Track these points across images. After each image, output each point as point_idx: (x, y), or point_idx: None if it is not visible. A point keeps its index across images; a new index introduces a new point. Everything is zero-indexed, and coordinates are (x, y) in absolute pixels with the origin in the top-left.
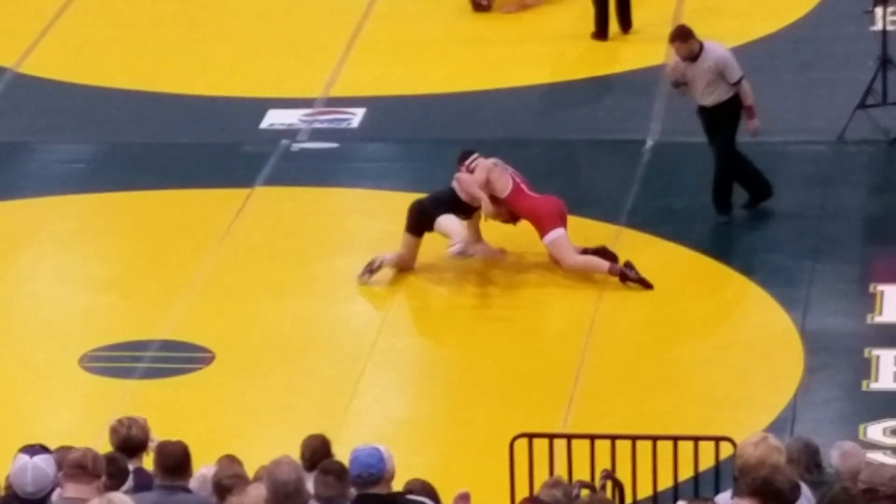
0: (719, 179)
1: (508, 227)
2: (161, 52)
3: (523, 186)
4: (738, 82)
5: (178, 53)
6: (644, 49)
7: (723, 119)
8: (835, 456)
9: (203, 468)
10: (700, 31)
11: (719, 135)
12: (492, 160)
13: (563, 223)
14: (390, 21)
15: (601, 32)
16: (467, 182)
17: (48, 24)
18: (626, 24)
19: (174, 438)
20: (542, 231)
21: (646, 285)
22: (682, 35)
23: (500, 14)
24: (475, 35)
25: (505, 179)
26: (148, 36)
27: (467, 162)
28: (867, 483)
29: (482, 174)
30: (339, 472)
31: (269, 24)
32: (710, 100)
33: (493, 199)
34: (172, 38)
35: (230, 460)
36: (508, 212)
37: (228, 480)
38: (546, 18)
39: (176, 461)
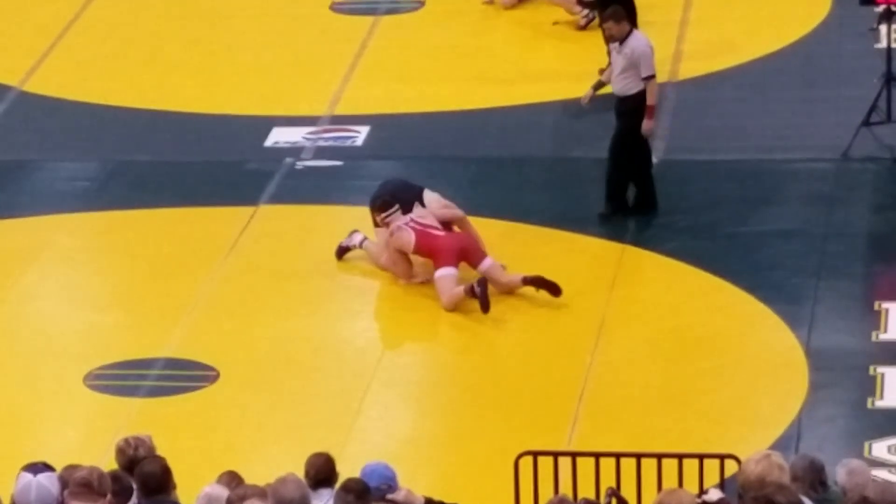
0: (612, 178)
1: (505, 244)
2: (166, 71)
3: (430, 230)
4: (647, 78)
5: (182, 71)
6: None
7: (622, 114)
8: (841, 474)
9: (207, 487)
10: (705, 48)
11: (615, 134)
12: (401, 220)
13: (457, 262)
14: (395, 39)
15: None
16: (376, 254)
17: (53, 43)
18: None
19: (154, 455)
20: (436, 267)
21: (485, 307)
22: (613, 15)
23: (504, 32)
24: (479, 53)
25: (406, 235)
26: (152, 54)
27: (382, 216)
28: (875, 501)
29: (384, 238)
30: (361, 491)
31: (274, 42)
32: (618, 87)
33: (404, 254)
34: (177, 57)
35: (231, 477)
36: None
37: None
38: (549, 37)
39: (157, 482)
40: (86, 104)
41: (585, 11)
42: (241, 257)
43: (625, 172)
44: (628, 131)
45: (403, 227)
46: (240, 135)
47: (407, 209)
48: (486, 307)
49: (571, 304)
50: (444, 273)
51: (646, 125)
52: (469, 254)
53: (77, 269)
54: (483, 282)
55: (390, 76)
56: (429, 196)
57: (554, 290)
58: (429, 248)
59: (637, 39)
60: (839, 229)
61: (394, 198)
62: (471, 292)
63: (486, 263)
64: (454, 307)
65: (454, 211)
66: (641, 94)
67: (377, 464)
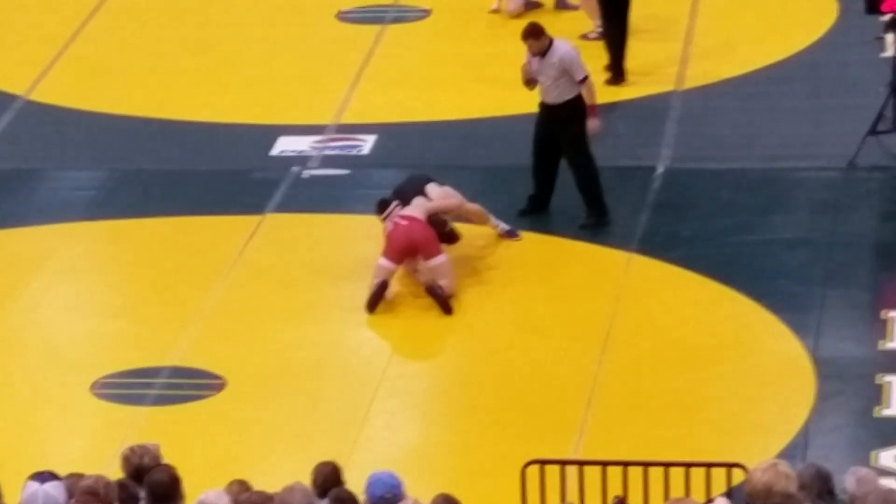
0: (585, 185)
1: (513, 252)
2: (172, 79)
3: (398, 219)
4: (583, 80)
5: (189, 80)
6: (654, 75)
7: (565, 121)
8: (850, 481)
9: (202, 495)
10: (711, 57)
11: (567, 143)
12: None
13: (399, 255)
14: (401, 48)
15: (618, 76)
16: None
17: (59, 52)
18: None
19: (164, 463)
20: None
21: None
22: (534, 32)
23: (510, 41)
24: (486, 62)
25: (386, 230)
26: (159, 63)
27: (381, 216)
28: None
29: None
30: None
31: (281, 50)
32: (553, 96)
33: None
34: (183, 66)
35: (240, 486)
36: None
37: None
38: None
39: (165, 491)
40: (92, 113)
41: (599, 22)
42: (248, 266)
43: (594, 175)
44: (579, 135)
45: (389, 222)
46: (246, 143)
47: (406, 203)
48: (445, 309)
49: (578, 312)
50: (378, 262)
51: (592, 125)
52: (420, 249)
53: (83, 277)
54: (432, 287)
55: (397, 85)
56: (431, 189)
57: (444, 308)
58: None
59: (561, 47)
60: (845, 238)
61: (395, 194)
62: (430, 292)
63: (435, 261)
64: (368, 300)
65: (448, 201)
66: (578, 98)
67: (382, 473)
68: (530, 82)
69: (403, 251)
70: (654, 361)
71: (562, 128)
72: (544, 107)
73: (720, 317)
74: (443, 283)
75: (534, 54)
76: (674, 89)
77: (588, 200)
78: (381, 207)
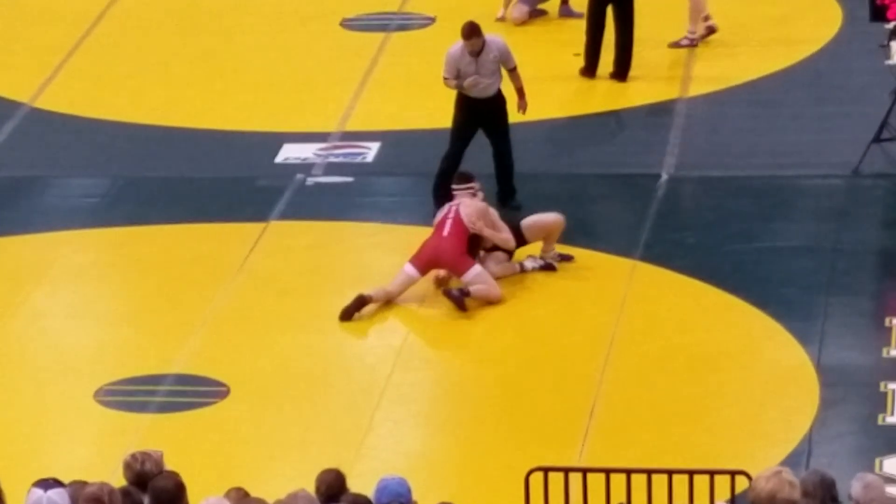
0: (510, 171)
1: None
2: (176, 87)
3: (455, 207)
4: (514, 69)
5: (192, 88)
6: (659, 83)
7: (499, 111)
8: (857, 488)
9: (212, 499)
10: (716, 65)
11: (501, 132)
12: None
13: (419, 265)
14: (405, 55)
15: (589, 69)
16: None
17: (63, 59)
18: (621, 71)
19: (169, 470)
20: None
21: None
22: (478, 30)
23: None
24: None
25: (437, 219)
26: (163, 70)
27: (455, 188)
28: None
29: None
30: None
31: (285, 58)
32: (491, 90)
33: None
34: (188, 73)
35: (238, 494)
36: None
37: None
38: (560, 53)
39: (169, 498)
40: (96, 120)
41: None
42: (252, 273)
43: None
44: (507, 124)
45: (450, 203)
46: (250, 151)
47: (471, 194)
48: (460, 307)
49: (582, 319)
50: (403, 268)
51: (524, 104)
52: (447, 265)
53: (87, 285)
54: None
55: (401, 92)
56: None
57: (460, 305)
58: None
59: (495, 42)
60: (850, 246)
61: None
62: (447, 295)
63: (467, 276)
64: (344, 309)
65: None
66: (500, 90)
67: (391, 479)
68: (458, 79)
69: (430, 264)
70: (657, 369)
71: (498, 118)
72: (479, 102)
73: (724, 324)
74: (481, 288)
75: (475, 53)
76: (678, 97)
77: (509, 183)
78: (463, 178)
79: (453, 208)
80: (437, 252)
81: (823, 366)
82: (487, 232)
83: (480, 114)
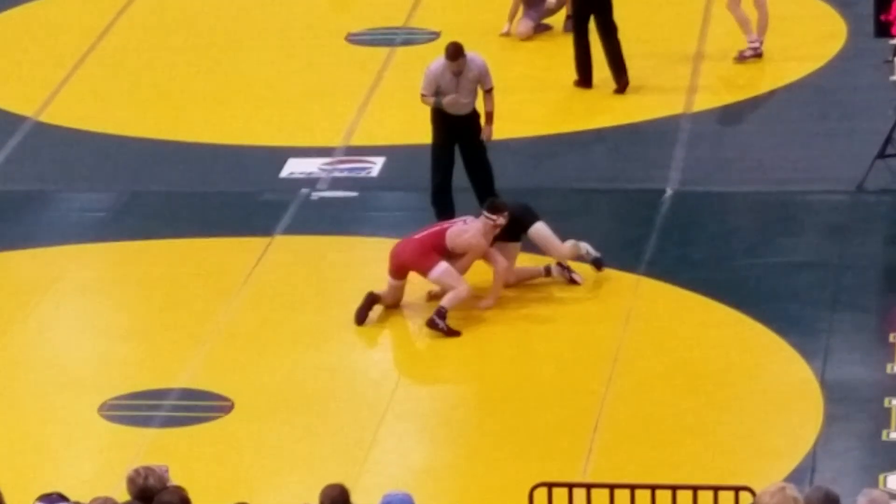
0: (490, 181)
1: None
2: (180, 101)
3: (460, 222)
4: (490, 90)
5: (197, 102)
6: (663, 99)
7: (475, 126)
8: (862, 503)
9: None
10: (720, 79)
11: (478, 146)
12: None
13: (393, 272)
14: (410, 70)
15: (584, 79)
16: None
17: (68, 74)
18: (620, 82)
19: (174, 485)
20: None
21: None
22: (462, 52)
23: (520, 63)
24: (495, 84)
25: None
26: (168, 85)
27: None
28: None
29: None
30: None
31: (290, 72)
32: (469, 108)
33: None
34: (192, 87)
35: None
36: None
37: None
38: (564, 68)
39: None
40: (101, 135)
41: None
42: (256, 288)
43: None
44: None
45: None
46: (255, 165)
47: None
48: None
49: (586, 334)
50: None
51: (488, 131)
52: (410, 267)
53: (92, 299)
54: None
55: (406, 107)
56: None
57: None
58: None
59: (475, 61)
60: (854, 261)
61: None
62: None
63: (431, 275)
64: (356, 312)
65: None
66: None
67: (396, 494)
68: (437, 96)
69: (395, 269)
70: (662, 384)
71: (473, 133)
72: (456, 119)
73: (728, 340)
74: (449, 295)
75: (458, 73)
76: (683, 112)
77: (491, 192)
78: (493, 209)
79: (452, 224)
80: (398, 252)
81: (828, 381)
82: (463, 260)
83: (457, 129)
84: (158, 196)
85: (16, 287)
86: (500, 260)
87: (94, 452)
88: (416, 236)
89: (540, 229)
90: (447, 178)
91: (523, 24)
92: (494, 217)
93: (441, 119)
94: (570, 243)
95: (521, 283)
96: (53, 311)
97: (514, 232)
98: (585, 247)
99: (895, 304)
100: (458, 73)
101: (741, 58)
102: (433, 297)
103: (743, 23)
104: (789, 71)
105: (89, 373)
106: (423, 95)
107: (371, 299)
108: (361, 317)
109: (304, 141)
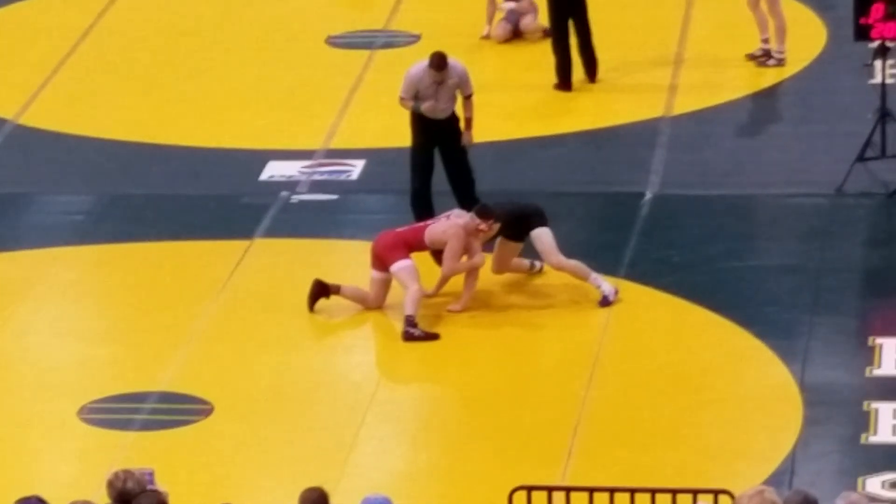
0: (472, 184)
1: (501, 278)
2: (161, 104)
3: (443, 217)
4: (471, 96)
5: (178, 105)
6: (643, 101)
7: (455, 130)
8: None
9: None
10: (700, 83)
11: (459, 149)
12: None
13: (374, 263)
14: (390, 73)
15: (564, 83)
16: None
17: (48, 76)
18: (591, 72)
19: (153, 488)
20: None
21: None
22: (446, 63)
23: (498, 66)
24: (475, 87)
25: None
26: (148, 88)
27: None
28: None
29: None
30: None
31: (270, 75)
32: (447, 113)
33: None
34: (173, 90)
35: None
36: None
37: None
38: (542, 71)
39: None
40: (81, 137)
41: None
42: (236, 291)
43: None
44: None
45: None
46: (235, 168)
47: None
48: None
49: (567, 337)
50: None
51: (469, 136)
52: (382, 258)
53: (71, 302)
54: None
55: (386, 110)
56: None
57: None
58: None
59: (456, 67)
60: (834, 264)
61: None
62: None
63: (393, 268)
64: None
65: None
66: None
67: (375, 497)
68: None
69: (373, 259)
70: (641, 387)
71: (453, 137)
72: (435, 123)
73: (708, 343)
74: (406, 302)
75: (440, 82)
76: (662, 115)
77: (472, 196)
78: (482, 213)
79: (434, 221)
80: (376, 242)
81: (807, 385)
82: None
83: (436, 133)
84: (139, 199)
85: None
86: (478, 261)
87: (73, 456)
88: (398, 229)
89: (543, 234)
90: (426, 182)
91: (501, 28)
92: (478, 222)
93: (420, 123)
94: (574, 263)
95: (506, 272)
96: (33, 314)
97: (518, 232)
98: (598, 280)
99: (874, 308)
100: (440, 82)
101: (758, 61)
102: (429, 296)
103: (762, 26)
104: (769, 74)
105: (69, 376)
106: (401, 99)
107: (318, 286)
108: (310, 302)
109: (285, 144)
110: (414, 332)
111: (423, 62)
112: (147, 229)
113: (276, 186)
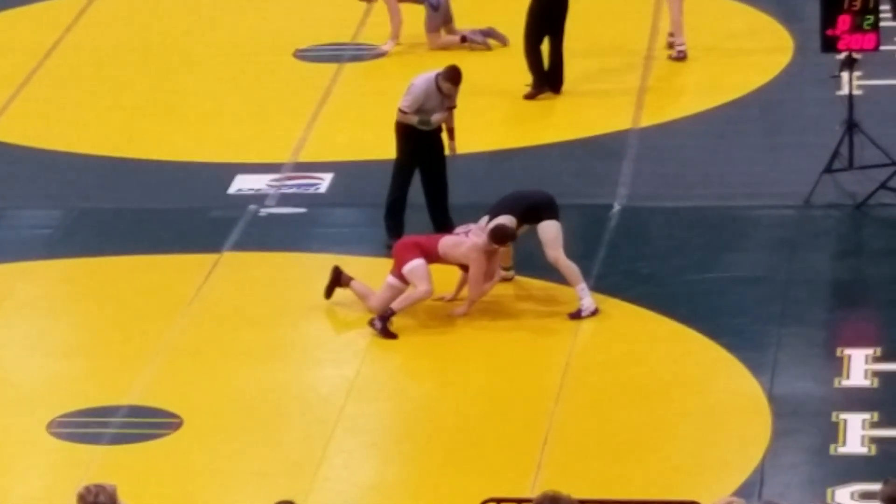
0: (445, 200)
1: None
2: (129, 118)
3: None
4: (454, 107)
5: (146, 119)
6: (611, 113)
7: (438, 142)
8: None
9: None
10: (668, 95)
11: (442, 161)
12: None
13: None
14: (358, 86)
15: (540, 87)
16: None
17: (15, 91)
18: (557, 85)
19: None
20: None
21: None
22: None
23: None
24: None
25: None
26: (116, 102)
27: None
28: None
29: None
30: None
31: (238, 89)
32: (438, 123)
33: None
34: (141, 104)
35: None
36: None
37: None
38: (512, 84)
39: None
40: (49, 152)
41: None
42: (205, 305)
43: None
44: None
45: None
46: (203, 182)
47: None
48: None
49: (535, 349)
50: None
51: (454, 146)
52: (396, 261)
53: (40, 316)
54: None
55: (354, 123)
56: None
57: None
58: None
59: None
60: (802, 276)
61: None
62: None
63: (404, 269)
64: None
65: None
66: None
67: None
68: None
69: (393, 263)
70: (610, 399)
71: (438, 148)
72: (426, 135)
73: (676, 355)
74: (403, 295)
75: (451, 96)
76: (630, 127)
77: (446, 213)
78: (498, 239)
79: (454, 234)
80: (394, 248)
81: (775, 396)
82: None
83: (424, 145)
84: (107, 213)
85: None
86: (498, 279)
87: (42, 470)
88: (417, 236)
89: (550, 227)
90: (405, 195)
91: (449, 38)
92: (495, 246)
93: (412, 135)
94: (570, 265)
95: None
96: (2, 329)
97: (528, 219)
98: (583, 292)
99: (842, 319)
100: (450, 95)
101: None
102: (439, 299)
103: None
104: (736, 86)
105: (37, 390)
106: (403, 112)
107: (336, 273)
108: (328, 292)
109: (253, 157)
110: (377, 325)
111: (428, 75)
112: (116, 243)
113: (244, 200)
